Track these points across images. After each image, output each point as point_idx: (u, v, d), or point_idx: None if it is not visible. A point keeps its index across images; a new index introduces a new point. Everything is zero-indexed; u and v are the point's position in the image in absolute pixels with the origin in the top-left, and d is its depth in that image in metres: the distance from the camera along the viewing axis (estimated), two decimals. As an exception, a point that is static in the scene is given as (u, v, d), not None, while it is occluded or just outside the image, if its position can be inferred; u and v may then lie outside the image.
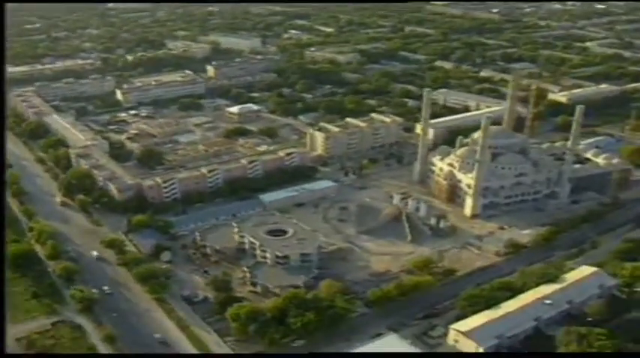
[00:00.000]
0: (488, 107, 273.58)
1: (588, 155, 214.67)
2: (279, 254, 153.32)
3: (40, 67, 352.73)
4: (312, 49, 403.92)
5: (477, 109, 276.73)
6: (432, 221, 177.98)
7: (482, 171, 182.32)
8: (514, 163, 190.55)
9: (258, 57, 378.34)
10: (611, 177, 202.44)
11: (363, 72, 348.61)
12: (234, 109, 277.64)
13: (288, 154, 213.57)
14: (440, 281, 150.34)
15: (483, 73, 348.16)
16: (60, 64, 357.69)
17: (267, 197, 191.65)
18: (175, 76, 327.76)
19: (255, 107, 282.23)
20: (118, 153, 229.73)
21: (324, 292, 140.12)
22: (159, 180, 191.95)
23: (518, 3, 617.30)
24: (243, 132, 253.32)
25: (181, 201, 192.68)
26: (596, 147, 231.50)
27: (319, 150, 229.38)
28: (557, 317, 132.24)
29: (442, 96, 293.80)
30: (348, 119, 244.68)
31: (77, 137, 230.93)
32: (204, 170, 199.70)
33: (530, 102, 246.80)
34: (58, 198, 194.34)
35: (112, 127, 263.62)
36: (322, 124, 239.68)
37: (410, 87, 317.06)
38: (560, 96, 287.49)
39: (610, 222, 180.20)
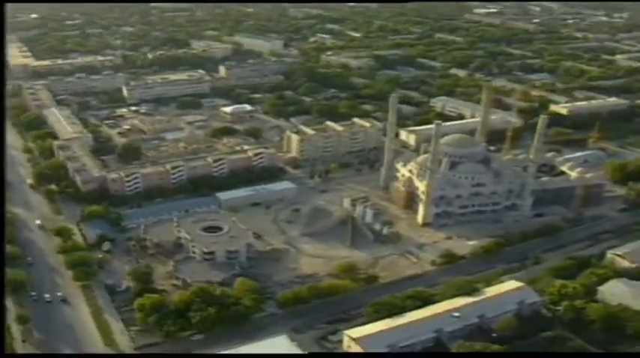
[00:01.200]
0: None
1: (564, 168, 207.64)
2: (206, 250, 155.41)
3: (60, 61, 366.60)
4: (329, 52, 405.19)
5: (472, 117, 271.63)
6: (377, 227, 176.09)
7: (433, 179, 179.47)
8: (472, 173, 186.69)
9: (272, 59, 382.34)
10: (581, 191, 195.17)
11: (373, 77, 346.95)
12: (228, 109, 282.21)
13: (256, 154, 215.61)
14: (362, 286, 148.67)
15: (495, 83, 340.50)
16: (80, 60, 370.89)
17: (224, 195, 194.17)
18: (183, 75, 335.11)
19: (248, 107, 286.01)
20: (101, 146, 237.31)
21: (236, 289, 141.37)
22: (122, 173, 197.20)
23: (564, 15, 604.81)
24: (229, 132, 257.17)
25: (143, 195, 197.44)
26: (585, 161, 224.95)
27: (294, 152, 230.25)
28: (463, 330, 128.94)
29: (441, 103, 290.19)
30: (328, 122, 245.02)
31: (66, 130, 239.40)
32: (168, 166, 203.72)
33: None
34: (28, 185, 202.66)
35: (108, 122, 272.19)
36: (300, 127, 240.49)
37: (413, 93, 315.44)
38: (560, 108, 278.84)
39: (564, 238, 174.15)
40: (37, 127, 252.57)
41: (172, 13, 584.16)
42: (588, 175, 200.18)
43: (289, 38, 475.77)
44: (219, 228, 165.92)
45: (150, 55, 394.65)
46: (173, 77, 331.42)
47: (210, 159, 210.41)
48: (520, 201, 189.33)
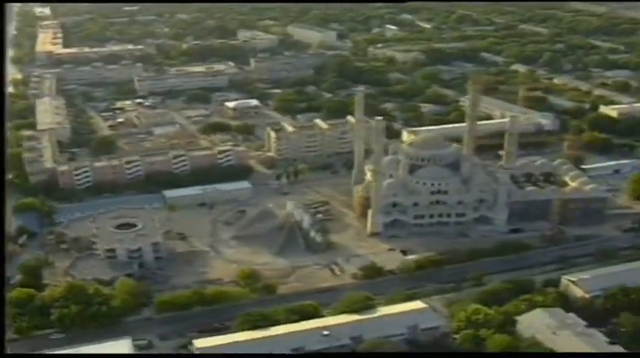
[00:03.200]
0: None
1: (567, 178, 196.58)
2: (107, 247, 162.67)
3: (87, 49, 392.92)
4: (380, 45, 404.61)
5: (502, 117, 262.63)
6: (312, 234, 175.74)
7: (379, 184, 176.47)
8: (433, 178, 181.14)
9: (310, 52, 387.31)
10: (574, 206, 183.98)
11: (414, 73, 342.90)
12: (231, 104, 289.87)
13: (222, 152, 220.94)
14: (258, 296, 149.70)
15: (556, 80, 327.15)
16: (107, 49, 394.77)
17: (170, 193, 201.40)
18: (202, 67, 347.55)
19: (254, 103, 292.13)
20: (80, 139, 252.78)
21: (116, 290, 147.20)
22: (71, 166, 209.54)
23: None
24: (222, 128, 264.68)
25: (93, 189, 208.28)
26: (616, 171, 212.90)
27: (272, 150, 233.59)
28: (330, 349, 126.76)
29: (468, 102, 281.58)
30: (317, 120, 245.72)
31: (46, 120, 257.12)
32: (122, 161, 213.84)
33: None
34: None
35: (104, 114, 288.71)
36: (283, 124, 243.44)
37: (448, 91, 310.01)
38: (610, 110, 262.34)
39: (529, 259, 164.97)
40: (24, 117, 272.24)
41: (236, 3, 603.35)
42: (588, 187, 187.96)
43: (352, 29, 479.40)
44: (133, 226, 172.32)
45: (184, 45, 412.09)
46: (190, 69, 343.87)
47: (170, 156, 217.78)
48: (492, 214, 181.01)
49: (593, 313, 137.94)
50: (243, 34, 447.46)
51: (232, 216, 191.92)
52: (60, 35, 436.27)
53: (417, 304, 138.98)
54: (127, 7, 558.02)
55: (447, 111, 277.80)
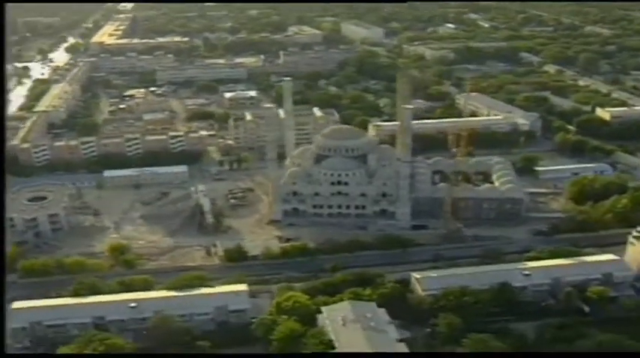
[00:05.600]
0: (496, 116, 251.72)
1: (494, 177, 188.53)
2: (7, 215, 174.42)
3: (136, 41, 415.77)
4: (417, 43, 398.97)
5: (487, 116, 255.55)
6: (208, 217, 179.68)
7: (274, 172, 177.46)
8: (334, 169, 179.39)
9: (341, 47, 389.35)
10: (487, 206, 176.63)
11: (436, 70, 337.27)
12: (228, 95, 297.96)
13: (174, 137, 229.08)
14: (110, 269, 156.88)
15: (581, 82, 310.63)
16: (154, 41, 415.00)
17: (109, 173, 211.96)
18: (222, 60, 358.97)
19: (250, 94, 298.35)
20: (73, 122, 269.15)
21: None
22: (29, 145, 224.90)
23: None
24: (203, 116, 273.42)
25: (49, 167, 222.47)
26: (574, 174, 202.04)
27: (231, 138, 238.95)
28: (131, 321, 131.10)
29: (464, 99, 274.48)
30: (280, 111, 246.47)
31: (45, 103, 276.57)
32: (79, 141, 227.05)
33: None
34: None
35: (113, 100, 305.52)
36: (245, 113, 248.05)
37: (454, 88, 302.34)
38: (604, 112, 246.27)
39: (403, 256, 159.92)
40: (35, 100, 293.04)
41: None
42: (504, 188, 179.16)
43: (408, 27, 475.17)
44: (44, 198, 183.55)
45: (229, 39, 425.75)
46: (211, 61, 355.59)
47: (123, 139, 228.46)
48: (394, 208, 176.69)
49: (422, 311, 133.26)
50: (291, 29, 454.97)
51: (153, 197, 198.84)
52: (122, 27, 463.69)
53: (239, 287, 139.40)
54: (206, 4, 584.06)
55: (437, 108, 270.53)
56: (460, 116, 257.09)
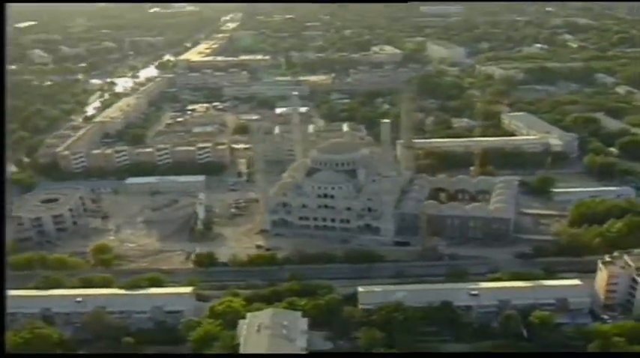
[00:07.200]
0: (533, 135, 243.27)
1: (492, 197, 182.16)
2: (14, 214, 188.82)
3: (220, 59, 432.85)
4: (490, 63, 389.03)
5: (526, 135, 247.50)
6: (199, 226, 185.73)
7: (263, 183, 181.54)
8: (322, 182, 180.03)
9: (412, 66, 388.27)
10: (474, 225, 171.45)
11: (497, 89, 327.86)
12: (279, 110, 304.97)
13: (201, 148, 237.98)
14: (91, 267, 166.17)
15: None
16: (236, 59, 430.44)
17: (131, 180, 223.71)
18: (288, 77, 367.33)
19: (303, 109, 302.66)
20: (127, 132, 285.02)
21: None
22: (70, 152, 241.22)
23: None
24: (246, 130, 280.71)
25: (86, 173, 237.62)
26: (618, 196, 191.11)
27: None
28: (76, 313, 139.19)
29: (509, 119, 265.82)
30: (311, 126, 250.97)
31: (105, 114, 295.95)
32: (113, 150, 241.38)
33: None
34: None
35: (174, 114, 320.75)
36: (275, 128, 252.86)
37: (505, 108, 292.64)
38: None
39: (370, 271, 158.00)
40: (101, 111, 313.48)
41: (432, 18, 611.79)
42: (492, 207, 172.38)
43: (493, 48, 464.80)
44: (55, 201, 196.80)
45: (311, 57, 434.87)
46: (278, 79, 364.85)
47: (153, 149, 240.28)
48: (378, 224, 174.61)
49: (351, 324, 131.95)
50: (373, 49, 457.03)
51: (162, 203, 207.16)
52: (215, 46, 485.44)
53: (184, 289, 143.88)
54: (310, 23, 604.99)
55: (482, 126, 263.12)
56: (500, 135, 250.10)
